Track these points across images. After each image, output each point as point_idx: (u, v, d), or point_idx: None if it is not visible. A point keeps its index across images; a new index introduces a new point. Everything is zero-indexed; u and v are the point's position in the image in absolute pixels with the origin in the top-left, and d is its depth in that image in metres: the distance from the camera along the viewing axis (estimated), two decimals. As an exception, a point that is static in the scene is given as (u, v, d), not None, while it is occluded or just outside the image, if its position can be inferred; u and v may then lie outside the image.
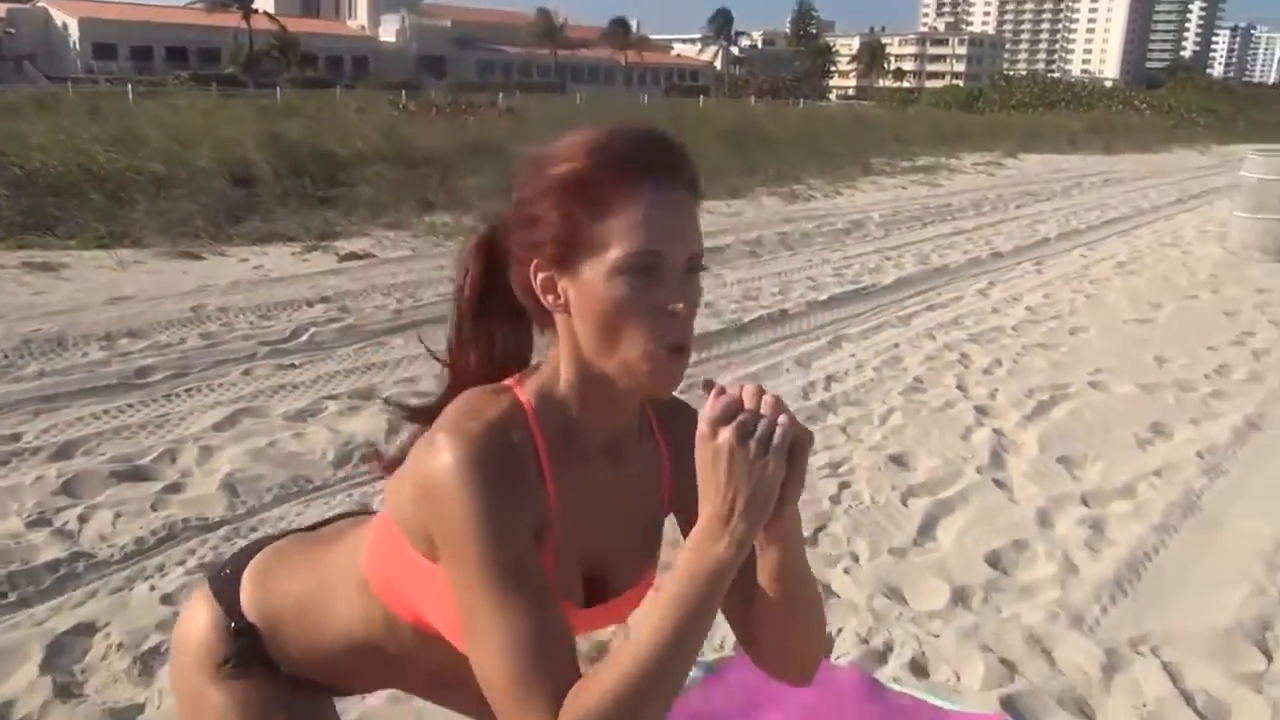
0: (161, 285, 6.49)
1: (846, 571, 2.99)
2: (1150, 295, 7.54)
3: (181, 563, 2.98)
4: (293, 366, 4.96)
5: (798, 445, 0.95)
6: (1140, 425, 4.47)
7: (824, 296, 7.03)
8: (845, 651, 2.56)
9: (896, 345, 5.78)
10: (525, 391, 1.08)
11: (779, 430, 0.93)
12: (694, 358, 1.04)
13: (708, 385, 0.97)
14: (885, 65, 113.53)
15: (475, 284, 1.12)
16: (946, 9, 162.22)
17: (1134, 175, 19.03)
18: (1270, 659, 2.61)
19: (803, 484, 0.98)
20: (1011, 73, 73.88)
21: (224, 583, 1.37)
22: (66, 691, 2.34)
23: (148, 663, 2.45)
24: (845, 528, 3.30)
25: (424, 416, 1.15)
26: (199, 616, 1.35)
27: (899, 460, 3.94)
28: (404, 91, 27.91)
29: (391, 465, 1.18)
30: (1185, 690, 2.44)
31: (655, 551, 1.25)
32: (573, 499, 1.08)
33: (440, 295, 6.55)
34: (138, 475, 3.56)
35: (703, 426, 0.94)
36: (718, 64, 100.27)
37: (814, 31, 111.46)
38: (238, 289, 6.46)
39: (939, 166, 18.35)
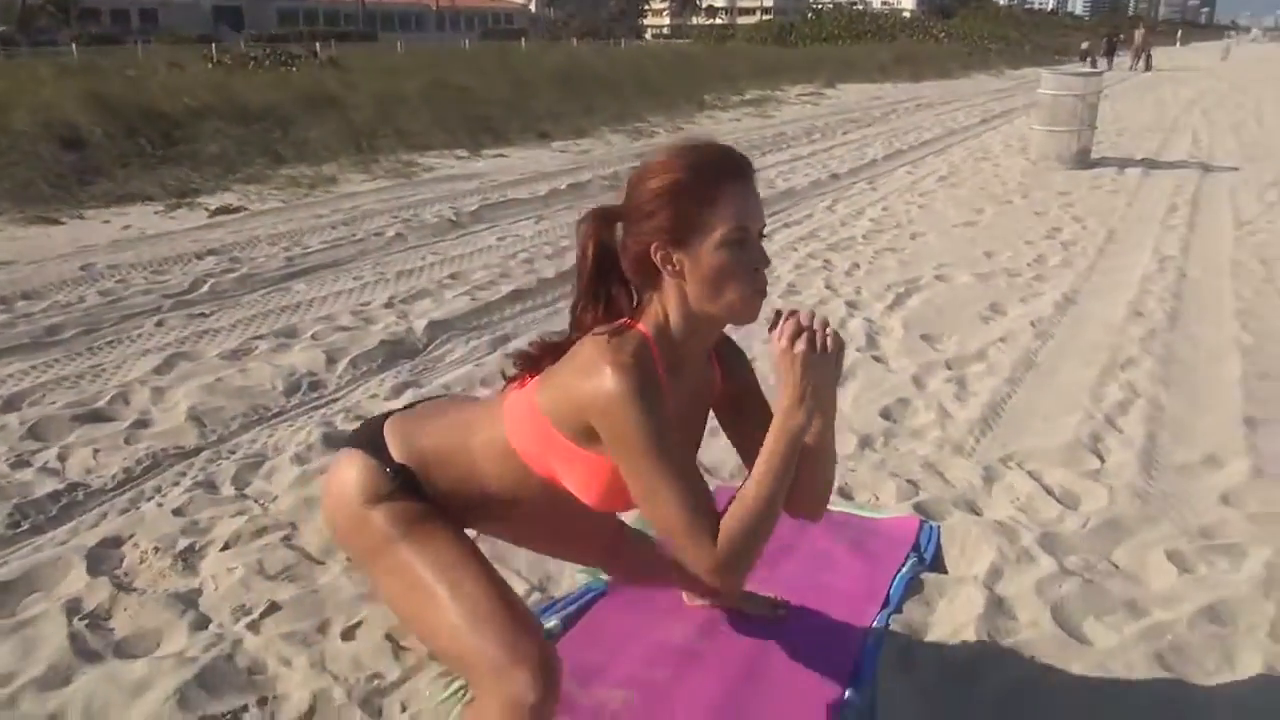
0: (33, 250, 6.37)
1: (769, 434, 3.55)
2: (972, 203, 8.45)
3: (176, 483, 3.23)
4: (204, 315, 5.09)
5: (840, 349, 1.49)
6: (981, 306, 5.24)
7: (690, 221, 7.55)
8: (784, 488, 3.11)
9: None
10: (645, 329, 1.56)
11: (830, 339, 1.46)
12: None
13: (777, 313, 1.47)
14: (698, 2, 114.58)
15: (593, 260, 1.59)
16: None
17: (941, 100, 20.43)
18: (1103, 460, 3.34)
19: (841, 372, 1.52)
20: (820, 6, 76.29)
21: (367, 443, 1.76)
22: (123, 587, 2.60)
23: (187, 559, 2.74)
24: (759, 402, 3.85)
25: (550, 357, 1.60)
26: (350, 470, 1.74)
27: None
28: (214, 45, 26.51)
29: (532, 371, 1.63)
30: (1046, 486, 3.13)
31: (701, 433, 1.78)
32: (675, 403, 1.58)
33: (326, 242, 6.71)
34: (99, 417, 3.73)
35: (783, 342, 1.48)
36: (532, 6, 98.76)
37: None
38: (120, 247, 6.42)
39: (767, 99, 19.18)
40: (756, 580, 2.49)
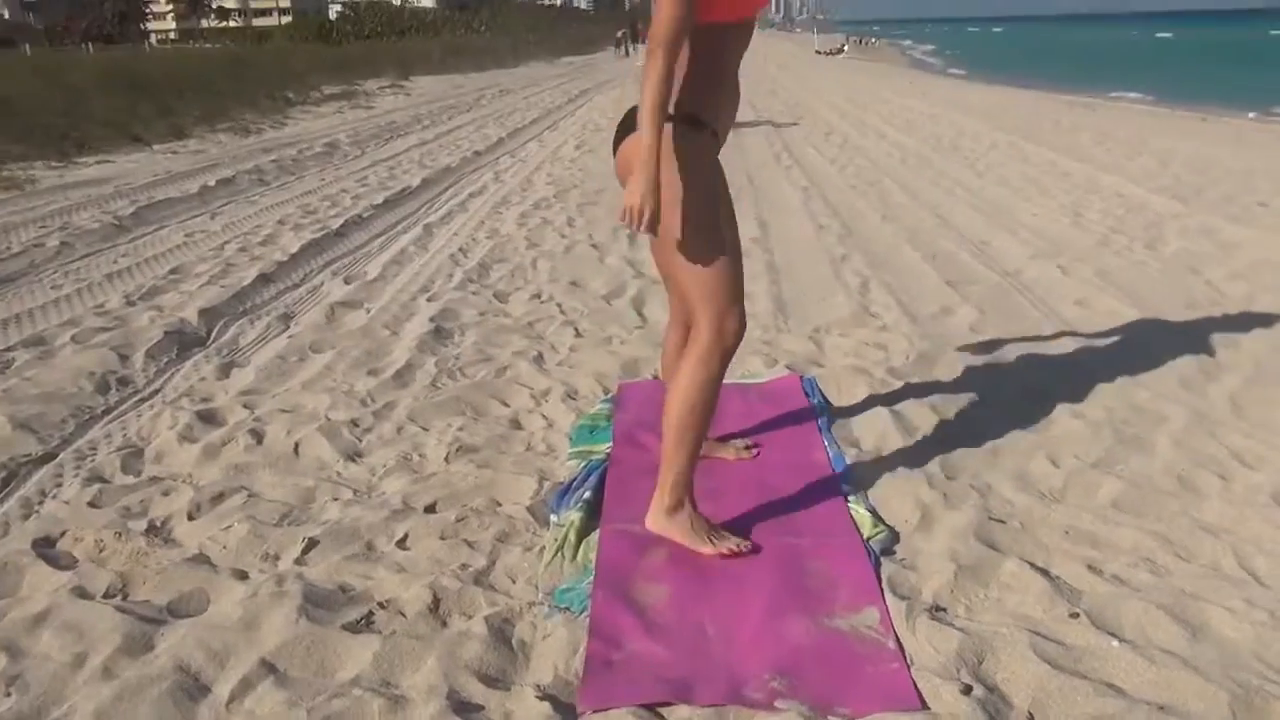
0: None
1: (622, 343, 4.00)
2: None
3: (58, 484, 2.95)
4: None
5: None
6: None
7: (379, 200, 7.60)
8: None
9: (483, 222, 6.70)
10: None
11: None
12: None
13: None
14: (209, 4, 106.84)
15: None
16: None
17: (519, 85, 21.53)
18: (881, 320, 4.22)
19: None
20: (353, 4, 74.75)
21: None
22: (115, 569, 2.43)
23: (159, 533, 2.60)
24: (572, 324, 4.27)
25: None
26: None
27: (576, 284, 4.98)
28: None
29: None
30: (861, 341, 3.93)
31: None
32: None
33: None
34: (-110, 446, 3.20)
35: None
36: (5, 12, 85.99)
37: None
38: None
39: (353, 93, 18.94)
40: (719, 436, 2.97)
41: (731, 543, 2.34)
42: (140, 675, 1.98)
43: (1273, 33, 68.81)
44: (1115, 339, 4.00)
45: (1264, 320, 4.18)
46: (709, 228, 2.30)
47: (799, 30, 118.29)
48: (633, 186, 2.15)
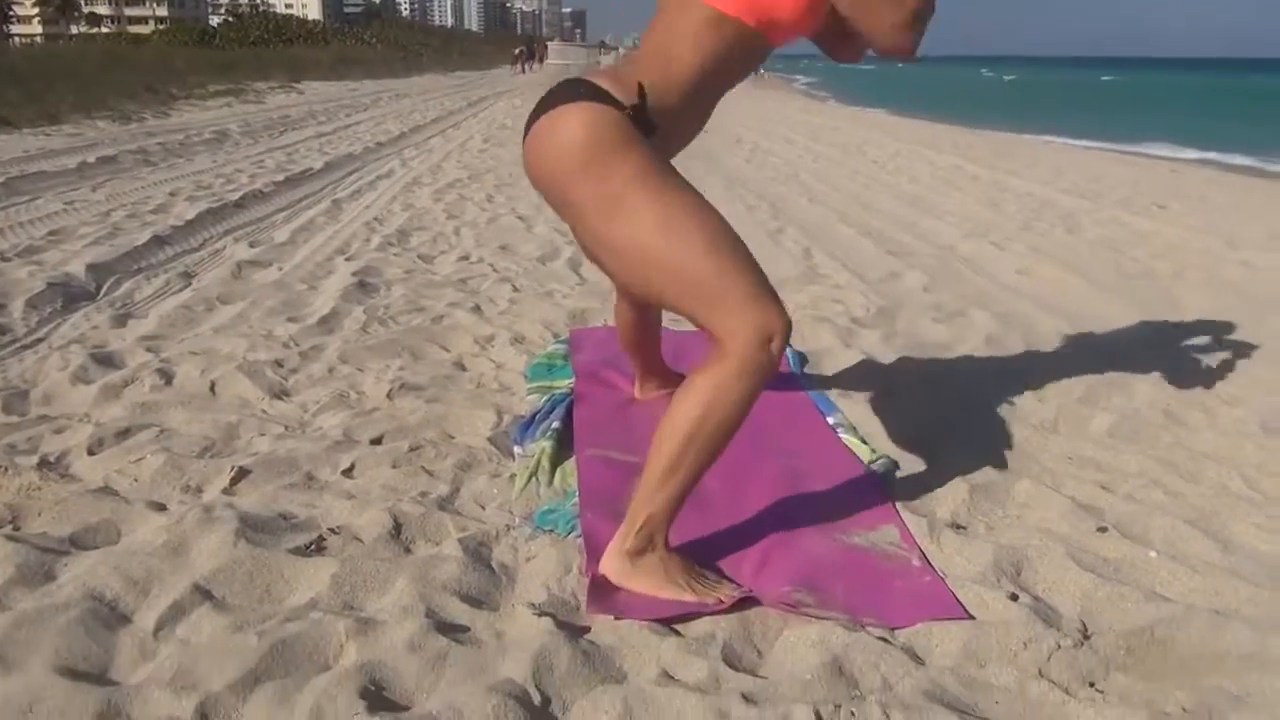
0: None
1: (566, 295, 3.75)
2: (531, 155, 9.08)
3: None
4: None
5: None
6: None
7: (280, 178, 7.15)
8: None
9: (395, 197, 6.35)
10: None
11: None
12: None
13: None
14: (79, 10, 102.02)
15: None
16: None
17: (416, 91, 21.04)
18: (834, 279, 4.08)
19: None
20: (235, 10, 72.47)
21: (588, 95, 1.68)
22: (8, 506, 2.05)
23: (54, 468, 2.22)
24: (508, 280, 4.01)
25: None
26: (578, 119, 1.65)
27: (506, 248, 4.71)
28: None
29: None
30: (815, 297, 3.76)
31: None
32: None
33: None
34: None
35: None
36: None
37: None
38: None
39: (242, 91, 18.13)
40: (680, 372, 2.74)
41: (725, 590, 1.67)
42: (41, 605, 1.63)
43: (1104, 78, 73.75)
44: (1065, 299, 3.96)
45: (1199, 291, 4.22)
46: (684, 209, 1.66)
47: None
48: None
